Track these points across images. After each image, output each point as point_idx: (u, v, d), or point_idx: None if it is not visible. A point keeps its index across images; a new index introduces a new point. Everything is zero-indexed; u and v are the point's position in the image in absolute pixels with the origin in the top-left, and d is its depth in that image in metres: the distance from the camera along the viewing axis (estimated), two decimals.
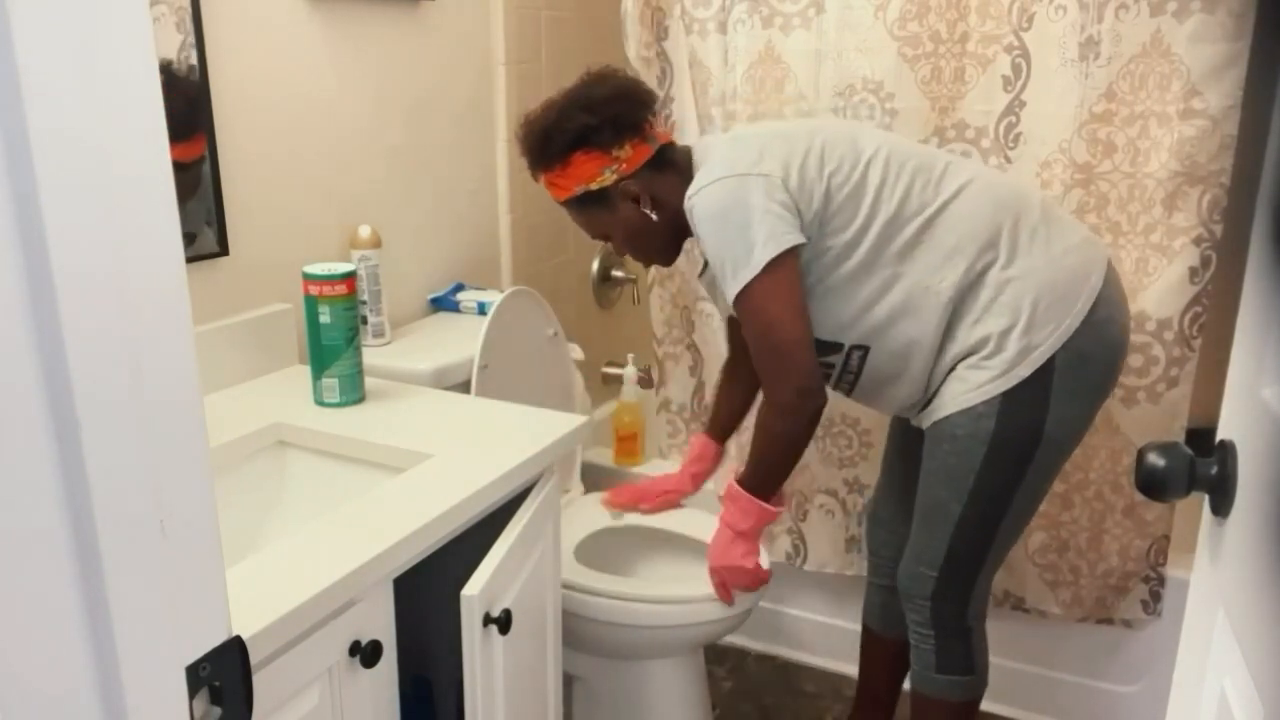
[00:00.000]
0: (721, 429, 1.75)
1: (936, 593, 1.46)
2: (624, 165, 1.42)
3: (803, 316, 1.36)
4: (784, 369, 1.37)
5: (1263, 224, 0.71)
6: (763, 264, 1.31)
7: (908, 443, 1.58)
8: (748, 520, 1.49)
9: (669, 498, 1.78)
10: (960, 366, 1.38)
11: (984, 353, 1.36)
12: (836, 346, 1.42)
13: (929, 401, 1.43)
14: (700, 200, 1.36)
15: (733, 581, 1.55)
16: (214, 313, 1.47)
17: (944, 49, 1.70)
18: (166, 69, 1.34)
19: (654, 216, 1.45)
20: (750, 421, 1.58)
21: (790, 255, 1.33)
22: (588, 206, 1.46)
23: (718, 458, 1.77)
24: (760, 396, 1.49)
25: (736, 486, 1.48)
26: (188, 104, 1.39)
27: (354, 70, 1.69)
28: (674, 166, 1.45)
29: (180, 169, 1.38)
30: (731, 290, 1.35)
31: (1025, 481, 1.39)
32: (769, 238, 1.32)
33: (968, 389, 1.36)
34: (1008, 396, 1.34)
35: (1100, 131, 1.62)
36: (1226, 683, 0.71)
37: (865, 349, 1.41)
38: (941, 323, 1.37)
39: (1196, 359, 1.66)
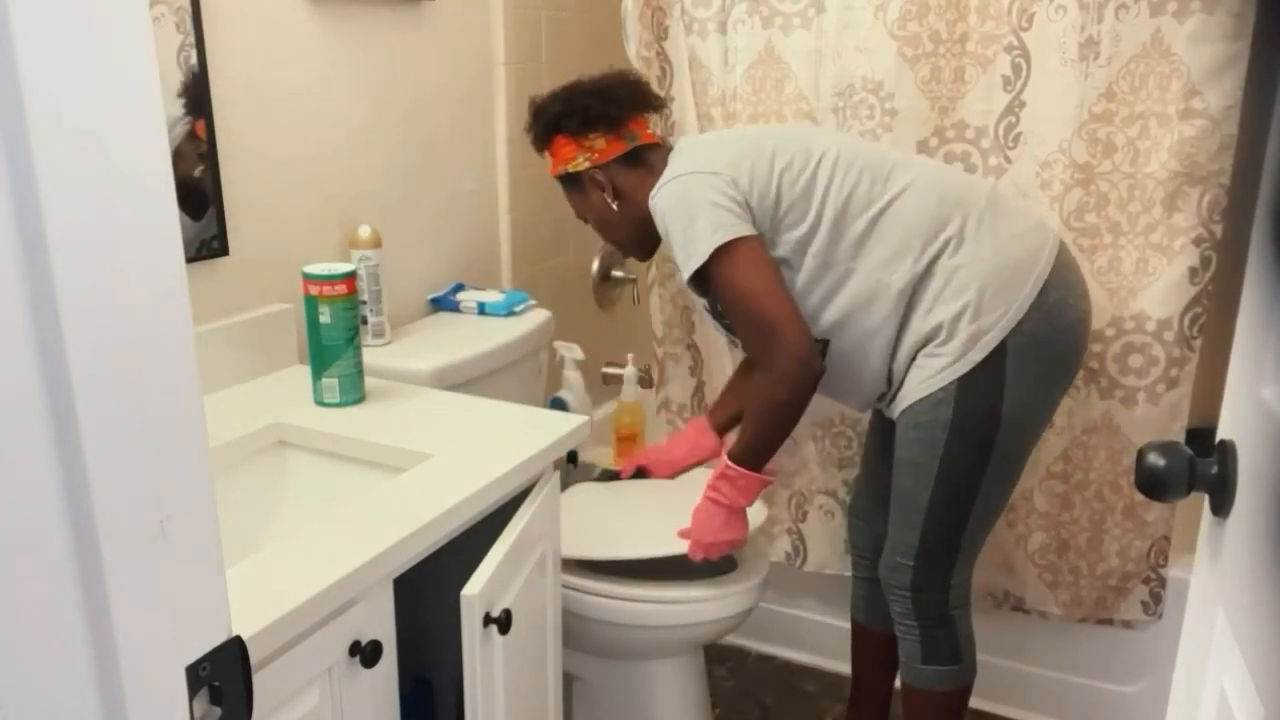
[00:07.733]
0: (724, 422, 1.73)
1: (915, 583, 1.48)
2: (595, 155, 1.52)
3: (780, 287, 1.41)
4: (775, 339, 1.38)
5: (1263, 224, 0.71)
6: (711, 250, 1.38)
7: (885, 437, 1.59)
8: (747, 496, 1.48)
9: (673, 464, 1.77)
10: (920, 355, 1.42)
11: (938, 340, 1.40)
12: None
13: (896, 393, 1.46)
14: (658, 198, 1.46)
15: (720, 551, 1.53)
16: (214, 313, 1.47)
17: (944, 49, 1.70)
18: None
19: (615, 206, 1.54)
20: None
21: (747, 242, 1.39)
22: (568, 186, 1.60)
23: (716, 450, 1.72)
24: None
25: (735, 467, 1.46)
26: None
27: (354, 70, 1.69)
28: (648, 166, 1.53)
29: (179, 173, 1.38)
30: (684, 275, 1.43)
31: (990, 466, 1.41)
32: (717, 227, 1.39)
33: (926, 376, 1.40)
34: (963, 381, 1.37)
35: (1100, 131, 1.62)
36: (1226, 683, 0.71)
37: (825, 342, 1.46)
38: (895, 314, 1.41)
39: (1196, 359, 1.66)
